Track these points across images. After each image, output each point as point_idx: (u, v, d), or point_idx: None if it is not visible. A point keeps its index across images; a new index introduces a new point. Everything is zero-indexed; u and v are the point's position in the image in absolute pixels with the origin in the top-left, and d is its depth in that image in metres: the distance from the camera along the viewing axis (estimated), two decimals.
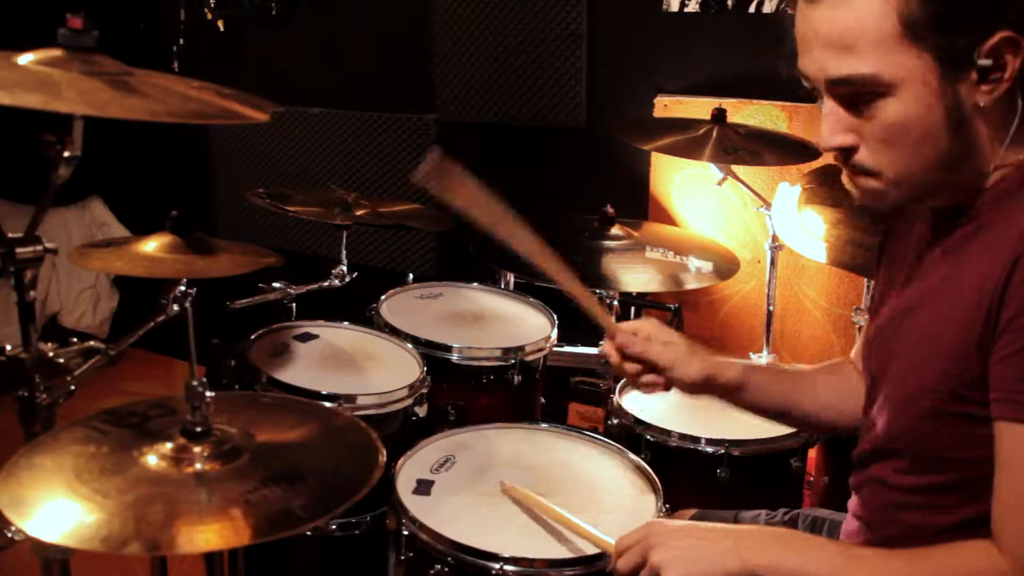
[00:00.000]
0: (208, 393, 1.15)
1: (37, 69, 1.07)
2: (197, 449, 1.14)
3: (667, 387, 1.32)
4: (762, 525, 1.13)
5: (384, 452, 1.23)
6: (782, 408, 1.38)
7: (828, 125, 1.03)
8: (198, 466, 1.13)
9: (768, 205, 2.22)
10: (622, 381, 1.94)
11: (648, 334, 1.30)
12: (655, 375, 1.30)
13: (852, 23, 0.96)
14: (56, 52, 1.10)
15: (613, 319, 1.36)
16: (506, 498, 1.45)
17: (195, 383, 1.15)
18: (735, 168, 2.25)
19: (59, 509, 1.03)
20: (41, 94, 1.00)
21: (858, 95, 1.00)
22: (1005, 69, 0.96)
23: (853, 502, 1.25)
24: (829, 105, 1.03)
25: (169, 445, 1.15)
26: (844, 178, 1.09)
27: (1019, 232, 0.96)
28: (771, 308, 2.31)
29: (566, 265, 1.30)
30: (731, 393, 1.34)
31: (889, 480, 1.14)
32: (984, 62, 0.95)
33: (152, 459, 1.13)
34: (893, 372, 1.13)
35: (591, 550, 1.30)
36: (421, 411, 1.80)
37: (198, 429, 1.15)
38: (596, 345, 2.23)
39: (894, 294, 1.18)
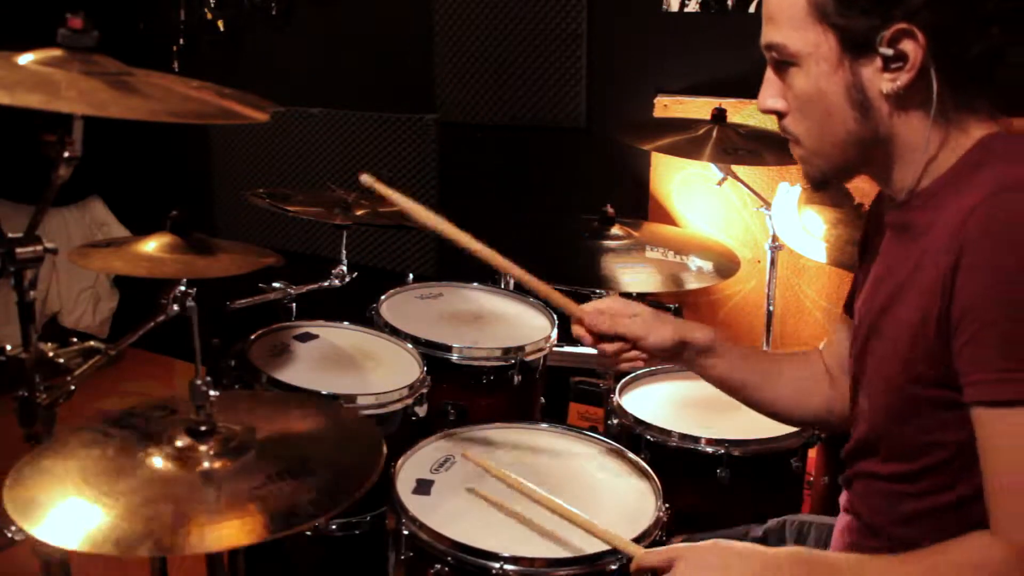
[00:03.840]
0: (212, 392, 1.16)
1: (37, 69, 1.07)
2: (203, 448, 1.14)
3: (646, 361, 1.36)
4: (789, 547, 1.16)
5: (383, 444, 1.23)
6: (745, 385, 1.40)
7: (765, 88, 1.14)
8: (205, 464, 1.13)
9: (768, 205, 2.22)
10: (622, 381, 1.94)
11: (614, 310, 1.36)
12: (634, 351, 1.35)
13: None
14: (56, 52, 1.10)
15: (574, 303, 1.38)
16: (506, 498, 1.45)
17: (199, 382, 1.15)
18: (735, 168, 2.25)
19: (69, 513, 1.02)
20: (41, 94, 1.00)
21: (778, 63, 1.10)
22: (907, 60, 1.01)
23: (844, 498, 1.26)
24: (768, 71, 1.13)
25: (174, 445, 1.15)
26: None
27: (963, 216, 0.98)
28: (771, 308, 2.31)
29: (515, 261, 1.36)
30: (702, 355, 1.37)
31: (877, 471, 1.16)
32: (885, 51, 1.01)
33: (158, 460, 1.14)
34: (872, 367, 1.16)
35: (590, 549, 1.30)
36: (421, 411, 1.80)
37: (203, 428, 1.15)
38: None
39: (869, 290, 1.20)
